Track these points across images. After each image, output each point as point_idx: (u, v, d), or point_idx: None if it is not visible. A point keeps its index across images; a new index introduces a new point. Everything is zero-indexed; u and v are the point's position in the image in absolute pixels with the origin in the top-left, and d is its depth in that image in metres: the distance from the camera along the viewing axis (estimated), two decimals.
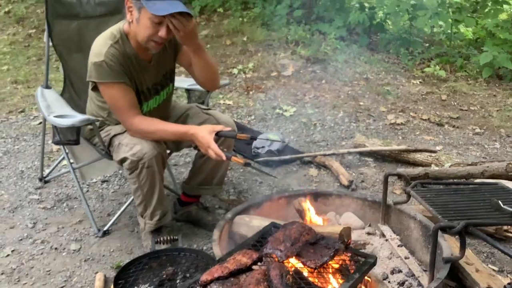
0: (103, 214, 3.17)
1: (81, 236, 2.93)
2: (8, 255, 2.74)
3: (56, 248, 2.81)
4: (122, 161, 2.52)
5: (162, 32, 2.38)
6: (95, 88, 2.57)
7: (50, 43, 3.04)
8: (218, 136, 2.50)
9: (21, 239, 2.89)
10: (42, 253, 2.77)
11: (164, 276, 2.28)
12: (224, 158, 2.41)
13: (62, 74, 3.18)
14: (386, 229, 2.72)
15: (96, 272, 2.59)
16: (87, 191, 3.45)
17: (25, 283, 2.52)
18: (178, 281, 2.25)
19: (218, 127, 2.50)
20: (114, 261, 2.70)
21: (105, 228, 2.95)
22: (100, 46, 2.47)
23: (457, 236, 2.23)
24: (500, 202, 2.37)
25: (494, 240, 2.10)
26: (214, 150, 2.41)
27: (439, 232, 2.42)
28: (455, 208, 2.43)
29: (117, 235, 2.95)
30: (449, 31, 7.39)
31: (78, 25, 3.13)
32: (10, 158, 3.95)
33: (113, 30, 2.53)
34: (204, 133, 2.44)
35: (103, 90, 2.51)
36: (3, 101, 5.26)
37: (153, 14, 2.31)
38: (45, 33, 3.06)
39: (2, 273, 2.59)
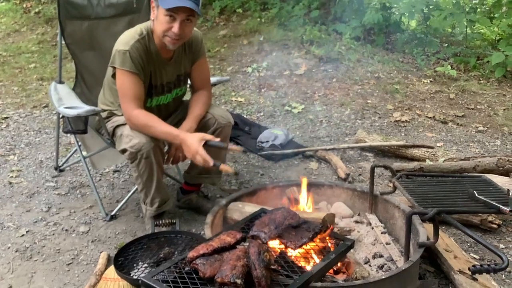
0: (113, 200, 3.40)
1: (90, 220, 3.16)
2: (23, 235, 2.98)
3: (66, 230, 3.05)
4: (123, 151, 2.73)
5: (175, 28, 2.59)
6: (115, 75, 2.77)
7: (63, 42, 3.28)
8: (207, 145, 2.58)
9: (35, 221, 3.13)
10: (53, 234, 3.01)
11: (161, 255, 2.48)
12: (211, 164, 2.53)
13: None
14: (372, 218, 2.87)
15: (101, 252, 2.80)
16: (100, 180, 3.69)
17: (36, 260, 2.76)
18: None
19: (208, 136, 2.62)
20: (119, 242, 2.92)
21: (112, 213, 3.17)
22: (128, 38, 2.70)
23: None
24: (475, 192, 2.51)
25: (464, 226, 2.24)
26: (202, 156, 2.53)
27: (419, 220, 2.59)
28: (433, 197, 2.58)
29: (124, 219, 3.16)
30: (468, 31, 7.42)
31: (89, 26, 3.35)
32: (31, 149, 4.23)
33: (142, 26, 2.77)
34: (193, 140, 2.56)
35: (119, 76, 2.71)
36: (29, 97, 5.58)
37: (165, 9, 2.54)
38: (58, 33, 3.30)
39: (16, 251, 2.83)
